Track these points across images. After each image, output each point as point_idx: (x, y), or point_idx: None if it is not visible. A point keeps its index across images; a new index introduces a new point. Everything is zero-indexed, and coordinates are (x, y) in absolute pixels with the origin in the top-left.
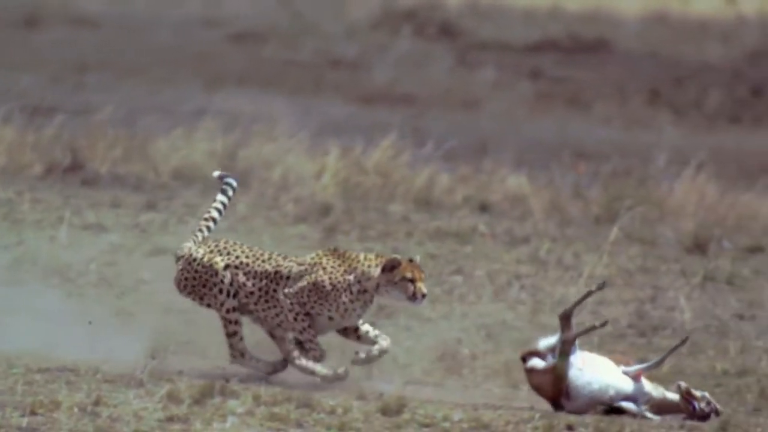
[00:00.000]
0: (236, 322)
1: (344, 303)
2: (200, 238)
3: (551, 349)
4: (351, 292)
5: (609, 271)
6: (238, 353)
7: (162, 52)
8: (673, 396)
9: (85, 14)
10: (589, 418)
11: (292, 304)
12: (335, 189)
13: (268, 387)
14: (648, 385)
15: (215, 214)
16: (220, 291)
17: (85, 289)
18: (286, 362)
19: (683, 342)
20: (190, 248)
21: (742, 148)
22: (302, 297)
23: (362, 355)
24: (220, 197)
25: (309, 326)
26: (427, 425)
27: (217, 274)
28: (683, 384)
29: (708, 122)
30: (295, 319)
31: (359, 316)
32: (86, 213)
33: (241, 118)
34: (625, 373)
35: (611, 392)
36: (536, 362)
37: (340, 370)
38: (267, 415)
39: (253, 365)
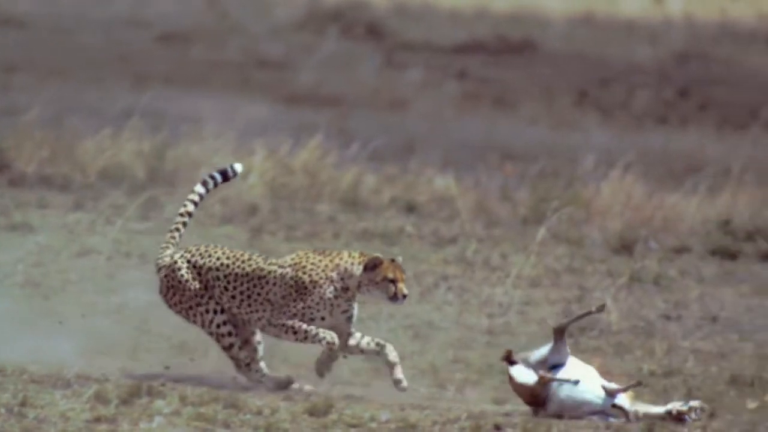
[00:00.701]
0: (230, 334)
1: (329, 299)
2: (177, 240)
3: (541, 362)
4: (335, 288)
5: (536, 272)
6: (242, 363)
7: (89, 52)
8: (657, 410)
9: (11, 14)
10: (517, 419)
11: (285, 325)
12: (262, 189)
13: (195, 387)
14: (626, 402)
15: (191, 207)
16: (207, 311)
17: (11, 289)
18: (291, 380)
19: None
20: (171, 256)
21: (669, 149)
22: (290, 309)
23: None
24: (198, 189)
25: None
26: (354, 426)
27: (201, 295)
28: (674, 410)
29: (635, 123)
30: (296, 332)
31: (349, 318)
32: (13, 213)
33: (168, 118)
34: (603, 387)
35: (585, 408)
36: (521, 372)
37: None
38: (194, 415)
39: (257, 378)
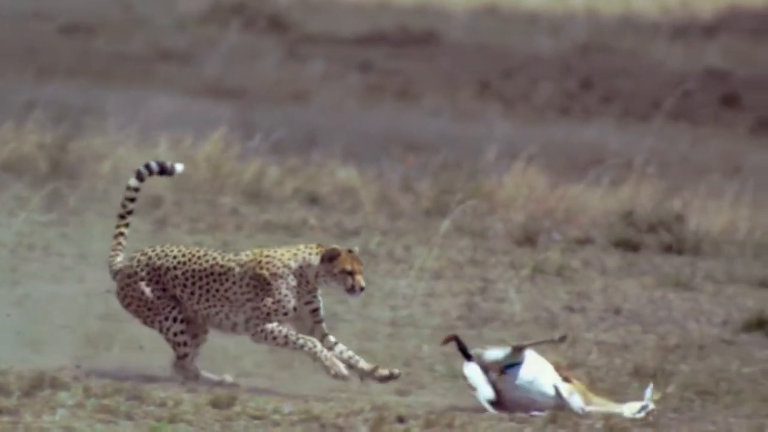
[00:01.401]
0: (185, 344)
1: (294, 287)
2: (124, 243)
3: (496, 364)
4: (295, 277)
5: (439, 264)
6: (192, 375)
7: None
8: (618, 408)
9: None
10: (420, 410)
11: (264, 331)
12: (165, 182)
13: (99, 379)
14: (579, 402)
15: (131, 206)
16: (166, 318)
17: None
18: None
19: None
20: (130, 261)
21: (571, 141)
22: (262, 310)
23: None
24: (132, 182)
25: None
26: (257, 417)
27: (159, 302)
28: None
29: (537, 115)
30: (276, 338)
31: (314, 312)
32: None
33: (71, 110)
34: (556, 387)
35: (538, 405)
36: (473, 372)
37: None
38: (97, 407)
39: (192, 376)
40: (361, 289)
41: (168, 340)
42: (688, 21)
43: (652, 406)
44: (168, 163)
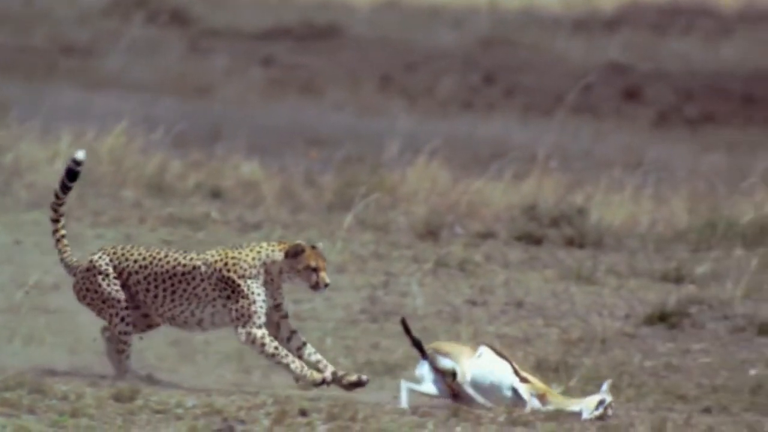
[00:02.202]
0: (126, 343)
1: (260, 287)
2: (66, 241)
3: (450, 373)
4: (260, 274)
5: (342, 258)
6: (122, 372)
7: None
8: (577, 406)
9: None
10: (323, 403)
11: (253, 336)
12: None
13: (0, 373)
14: (536, 403)
15: (62, 210)
16: (116, 314)
17: None
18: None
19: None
20: (92, 258)
21: (474, 135)
22: (233, 313)
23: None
24: (68, 182)
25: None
26: (159, 411)
27: (114, 300)
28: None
29: (440, 109)
30: (264, 348)
31: (277, 307)
32: None
33: None
34: (514, 388)
35: (492, 402)
36: (424, 371)
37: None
38: None
39: (122, 370)
40: (326, 285)
41: (113, 333)
42: (590, 15)
43: (609, 398)
44: (71, 165)
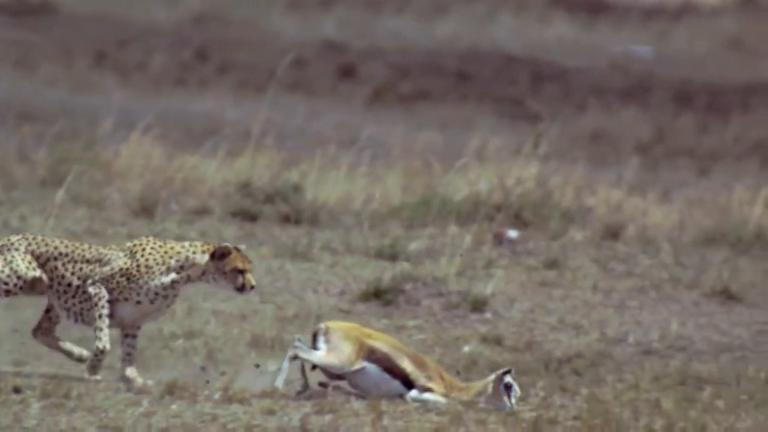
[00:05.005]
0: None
1: (159, 285)
2: None
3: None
4: (169, 273)
5: (56, 234)
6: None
7: None
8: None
9: None
10: (36, 381)
11: (92, 292)
12: None
13: None
14: (439, 398)
15: None
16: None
17: None
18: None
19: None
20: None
21: (187, 111)
22: (111, 283)
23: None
24: None
25: (107, 316)
26: None
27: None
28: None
29: (153, 85)
30: (96, 306)
31: (168, 306)
32: None
33: None
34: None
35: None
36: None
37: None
38: None
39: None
40: (252, 287)
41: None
42: None
43: (509, 379)
44: None
